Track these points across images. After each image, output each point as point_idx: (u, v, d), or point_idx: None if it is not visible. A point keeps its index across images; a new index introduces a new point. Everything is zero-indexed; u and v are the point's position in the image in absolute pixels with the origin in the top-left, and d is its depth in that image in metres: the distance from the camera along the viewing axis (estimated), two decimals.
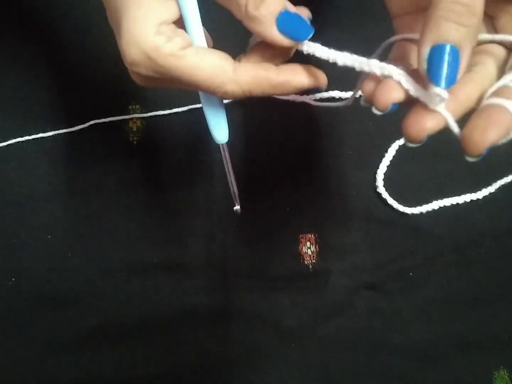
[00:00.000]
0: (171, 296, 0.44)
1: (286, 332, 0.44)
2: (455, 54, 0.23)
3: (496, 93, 0.24)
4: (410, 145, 0.25)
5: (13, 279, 0.44)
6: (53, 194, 0.46)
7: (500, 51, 0.27)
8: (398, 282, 0.45)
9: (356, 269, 0.46)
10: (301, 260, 0.46)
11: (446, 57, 0.22)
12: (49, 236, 0.45)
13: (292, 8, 0.27)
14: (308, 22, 0.27)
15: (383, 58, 0.27)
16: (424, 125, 0.24)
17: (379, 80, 0.25)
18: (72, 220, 0.46)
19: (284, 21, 0.26)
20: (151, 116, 0.48)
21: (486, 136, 0.23)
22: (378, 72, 0.25)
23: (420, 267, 0.46)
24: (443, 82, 0.23)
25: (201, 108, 0.30)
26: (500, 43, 0.27)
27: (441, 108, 0.23)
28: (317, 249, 0.46)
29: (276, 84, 0.28)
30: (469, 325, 0.45)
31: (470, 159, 0.24)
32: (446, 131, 0.48)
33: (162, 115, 0.48)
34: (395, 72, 0.24)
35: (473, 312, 0.45)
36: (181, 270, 0.45)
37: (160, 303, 0.44)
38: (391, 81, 0.24)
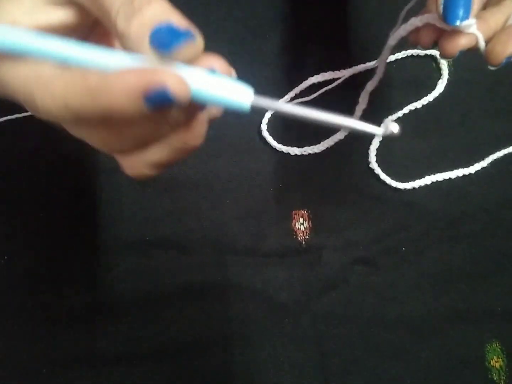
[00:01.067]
0: (165, 273, 0.44)
1: (280, 307, 0.44)
2: None
3: None
4: (443, 60, 0.32)
5: (5, 257, 0.44)
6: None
7: None
8: (391, 257, 0.46)
9: (349, 245, 0.46)
10: (294, 236, 0.46)
11: (458, 0, 0.27)
12: (41, 215, 0.45)
13: (178, 21, 0.20)
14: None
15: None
16: (459, 41, 0.29)
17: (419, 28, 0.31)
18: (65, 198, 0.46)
19: (158, 35, 0.19)
20: None
21: (506, 47, 0.28)
22: (419, 23, 0.30)
23: (413, 241, 0.46)
24: (457, 21, 0.28)
25: None
26: None
27: (473, 28, 0.28)
28: (310, 225, 0.46)
29: (92, 86, 0.19)
30: (462, 298, 0.45)
31: (492, 68, 0.30)
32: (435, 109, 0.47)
33: None
34: (431, 18, 0.30)
35: (466, 286, 0.45)
36: (175, 247, 0.45)
37: (154, 280, 0.44)
38: (429, 25, 0.30)
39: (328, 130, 0.47)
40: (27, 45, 0.21)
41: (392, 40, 0.32)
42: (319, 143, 0.47)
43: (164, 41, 0.19)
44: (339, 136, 0.46)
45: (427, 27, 0.31)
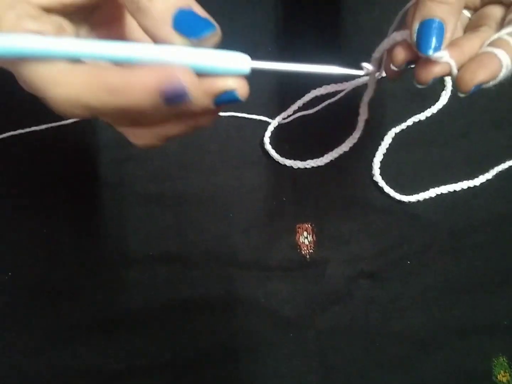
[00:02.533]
0: (169, 287, 0.44)
1: (284, 321, 0.44)
2: (440, 27, 0.27)
3: (491, 44, 0.29)
4: (419, 86, 0.30)
5: (9, 274, 0.44)
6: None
7: (499, 11, 0.32)
8: (396, 270, 0.45)
9: (353, 258, 0.45)
10: (299, 250, 0.46)
11: (431, 30, 0.27)
12: (44, 230, 0.45)
13: (197, 9, 0.22)
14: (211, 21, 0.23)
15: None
16: (432, 69, 0.29)
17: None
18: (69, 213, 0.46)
19: (182, 19, 0.22)
20: None
21: (475, 75, 0.28)
22: (400, 38, 0.30)
23: (417, 254, 0.46)
24: (429, 50, 0.27)
25: None
26: (500, 2, 0.32)
27: (446, 57, 0.28)
28: (314, 239, 0.46)
29: (113, 86, 0.21)
30: (467, 312, 0.45)
31: (461, 95, 0.29)
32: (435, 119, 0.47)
33: None
34: (407, 35, 0.29)
35: (471, 299, 0.45)
36: (178, 261, 0.45)
37: (157, 294, 0.44)
38: (403, 44, 0.30)
39: (331, 142, 0.47)
40: (33, 50, 0.21)
41: (377, 53, 0.31)
42: (322, 155, 0.47)
43: (189, 27, 0.22)
44: (343, 148, 0.46)
45: (403, 44, 0.30)
